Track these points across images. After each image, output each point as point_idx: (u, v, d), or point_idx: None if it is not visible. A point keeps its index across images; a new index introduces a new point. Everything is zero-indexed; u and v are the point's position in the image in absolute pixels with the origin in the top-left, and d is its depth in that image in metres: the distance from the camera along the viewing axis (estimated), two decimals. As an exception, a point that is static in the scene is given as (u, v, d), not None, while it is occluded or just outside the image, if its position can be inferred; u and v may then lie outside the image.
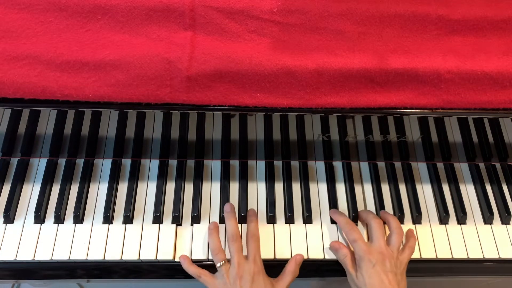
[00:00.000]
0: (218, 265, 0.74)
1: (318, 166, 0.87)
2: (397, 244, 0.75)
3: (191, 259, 0.76)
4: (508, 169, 0.89)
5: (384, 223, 0.80)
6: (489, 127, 0.84)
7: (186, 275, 0.75)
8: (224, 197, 0.82)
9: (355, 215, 0.81)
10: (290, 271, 0.75)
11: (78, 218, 0.79)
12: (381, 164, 0.88)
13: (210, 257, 0.76)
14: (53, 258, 0.75)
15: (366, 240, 0.77)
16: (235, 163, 0.87)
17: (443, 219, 0.83)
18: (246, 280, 0.71)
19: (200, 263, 0.76)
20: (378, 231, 0.76)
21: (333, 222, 0.81)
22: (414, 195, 0.84)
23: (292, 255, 0.77)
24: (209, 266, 0.75)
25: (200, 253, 0.77)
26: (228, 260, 0.74)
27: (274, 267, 0.76)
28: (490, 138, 0.86)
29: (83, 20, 0.63)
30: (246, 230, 0.78)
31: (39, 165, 0.84)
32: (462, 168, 0.90)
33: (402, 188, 0.86)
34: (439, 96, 0.64)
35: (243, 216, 0.80)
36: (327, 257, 0.77)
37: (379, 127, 0.82)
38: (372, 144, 0.85)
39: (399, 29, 0.66)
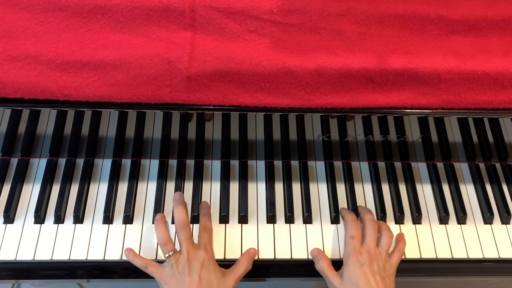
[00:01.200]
0: (166, 255, 0.72)
1: (318, 166, 0.87)
2: (386, 247, 0.75)
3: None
4: (508, 169, 0.90)
5: None
6: (489, 127, 0.84)
7: (186, 275, 0.75)
8: (224, 197, 0.82)
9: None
10: (243, 263, 0.74)
11: (78, 218, 0.79)
12: (381, 164, 0.88)
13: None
14: (53, 258, 0.75)
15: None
16: (235, 163, 0.87)
17: (443, 219, 0.83)
18: (195, 267, 0.70)
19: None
20: (372, 233, 0.75)
21: (333, 222, 0.81)
22: (414, 195, 0.84)
23: (292, 255, 0.77)
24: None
25: (200, 253, 0.77)
26: (178, 251, 0.73)
27: (273, 267, 0.77)
28: (490, 138, 0.86)
29: (83, 20, 0.63)
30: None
31: (39, 165, 0.84)
32: (462, 168, 0.90)
33: (402, 188, 0.86)
34: (439, 96, 0.64)
35: (243, 216, 0.80)
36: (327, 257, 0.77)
37: (379, 127, 0.82)
38: (372, 144, 0.85)
39: (399, 29, 0.66)
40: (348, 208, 0.83)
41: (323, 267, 0.74)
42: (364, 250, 0.73)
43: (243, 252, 0.77)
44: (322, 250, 0.78)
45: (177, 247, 0.74)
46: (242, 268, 0.73)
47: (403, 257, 0.78)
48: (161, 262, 0.77)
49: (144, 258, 0.74)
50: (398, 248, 0.77)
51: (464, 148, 0.87)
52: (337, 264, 0.76)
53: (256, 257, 0.77)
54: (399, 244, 0.77)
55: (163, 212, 0.80)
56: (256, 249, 0.77)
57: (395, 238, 0.79)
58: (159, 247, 0.77)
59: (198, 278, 0.69)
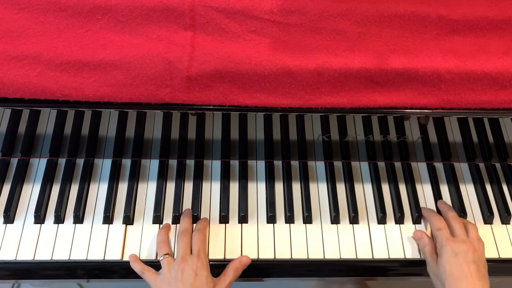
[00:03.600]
0: (160, 258, 0.73)
1: (318, 166, 0.87)
2: (476, 235, 0.75)
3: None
4: (508, 169, 0.89)
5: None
6: (489, 127, 0.84)
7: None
8: (224, 197, 0.82)
9: (355, 215, 0.81)
10: (233, 268, 0.74)
11: (78, 218, 0.79)
12: (381, 164, 0.88)
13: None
14: (53, 258, 0.75)
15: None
16: (235, 163, 0.87)
17: (443, 219, 0.83)
18: (188, 274, 0.70)
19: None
20: (460, 226, 0.76)
21: (333, 222, 0.81)
22: (414, 195, 0.84)
23: (293, 255, 0.77)
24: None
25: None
26: (173, 256, 0.74)
27: (273, 267, 0.77)
28: (490, 138, 0.86)
29: (83, 20, 0.63)
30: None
31: (39, 165, 0.84)
32: (462, 168, 0.90)
33: (402, 188, 0.86)
34: (439, 96, 0.64)
35: (243, 216, 0.80)
36: (327, 257, 0.77)
37: (379, 127, 0.82)
38: (372, 144, 0.85)
39: (399, 29, 0.66)
40: (348, 208, 0.83)
41: (426, 252, 0.75)
42: (458, 239, 0.74)
43: (243, 252, 0.77)
44: (322, 250, 0.78)
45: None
46: (231, 275, 0.73)
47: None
48: (161, 261, 0.77)
49: (143, 264, 0.74)
50: (477, 238, 0.76)
51: (464, 148, 0.87)
52: (338, 265, 0.77)
53: (256, 257, 0.77)
54: (475, 233, 0.77)
55: (163, 212, 0.80)
56: (256, 251, 0.77)
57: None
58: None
59: (189, 286, 0.69)
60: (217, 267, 0.74)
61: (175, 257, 0.74)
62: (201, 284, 0.69)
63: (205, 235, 0.77)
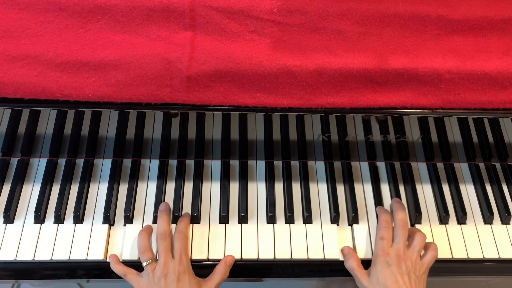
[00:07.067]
0: (144, 264, 0.73)
1: (318, 166, 0.87)
2: (419, 247, 0.74)
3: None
4: (508, 169, 0.89)
5: None
6: (489, 127, 0.84)
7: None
8: (224, 197, 0.82)
9: (355, 215, 0.81)
10: (220, 271, 0.74)
11: (78, 218, 0.79)
12: (381, 164, 0.88)
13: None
14: (53, 258, 0.75)
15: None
16: (235, 163, 0.87)
17: (443, 219, 0.83)
18: (171, 280, 0.70)
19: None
20: (402, 234, 0.75)
21: (333, 222, 0.81)
22: (414, 195, 0.84)
23: (292, 255, 0.77)
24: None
25: (198, 253, 0.77)
26: (156, 260, 0.74)
27: (273, 267, 0.76)
28: (490, 138, 0.86)
29: (83, 20, 0.63)
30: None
31: (39, 165, 0.84)
32: (462, 168, 0.90)
33: (402, 188, 0.86)
34: (439, 96, 0.64)
35: (243, 216, 0.80)
36: (327, 257, 0.77)
37: (379, 127, 0.82)
38: (372, 144, 0.85)
39: (399, 29, 0.66)
40: (348, 208, 0.83)
41: (353, 265, 0.75)
42: (393, 251, 0.73)
43: (243, 252, 0.77)
44: (322, 250, 0.78)
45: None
46: (218, 277, 0.73)
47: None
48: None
49: (124, 266, 0.74)
50: (430, 248, 0.76)
51: (464, 148, 0.87)
52: (338, 265, 0.77)
53: (256, 257, 0.77)
54: (431, 245, 0.77)
55: (163, 212, 0.80)
56: (256, 251, 0.77)
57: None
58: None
59: None
60: (217, 267, 0.75)
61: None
62: None
63: (187, 236, 0.76)
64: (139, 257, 0.75)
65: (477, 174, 0.88)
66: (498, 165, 0.90)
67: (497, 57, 0.65)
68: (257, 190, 0.84)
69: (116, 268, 0.74)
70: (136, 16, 0.63)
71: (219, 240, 0.78)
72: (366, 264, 0.76)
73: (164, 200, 0.81)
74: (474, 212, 0.85)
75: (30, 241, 0.76)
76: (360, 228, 0.81)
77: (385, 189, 0.86)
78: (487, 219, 0.83)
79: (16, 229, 0.78)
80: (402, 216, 0.78)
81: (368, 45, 0.65)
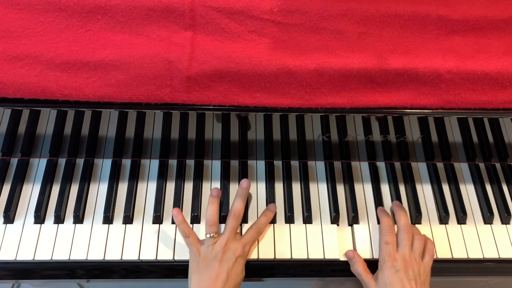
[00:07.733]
0: (208, 235, 0.74)
1: (318, 166, 0.87)
2: (419, 250, 0.75)
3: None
4: (508, 169, 0.90)
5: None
6: (489, 127, 0.84)
7: (186, 275, 0.75)
8: (224, 197, 0.82)
9: (355, 215, 0.81)
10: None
11: (78, 218, 0.79)
12: (381, 164, 0.88)
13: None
14: (53, 258, 0.75)
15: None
16: (235, 163, 0.87)
17: (443, 219, 0.83)
18: (228, 257, 0.71)
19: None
20: (407, 239, 0.75)
21: (333, 222, 0.81)
22: (414, 195, 0.84)
23: (292, 255, 0.77)
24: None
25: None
26: (219, 236, 0.74)
27: (273, 267, 0.76)
28: (490, 138, 0.86)
29: (83, 20, 0.63)
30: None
31: (39, 165, 0.84)
32: (462, 168, 0.90)
33: (402, 188, 0.86)
34: (439, 96, 0.64)
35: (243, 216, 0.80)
36: (327, 257, 0.77)
37: (379, 127, 0.82)
38: (372, 144, 0.85)
39: (399, 29, 0.66)
40: (348, 208, 0.83)
41: (359, 270, 0.75)
42: (399, 256, 0.73)
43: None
44: (322, 250, 0.78)
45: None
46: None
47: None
48: (162, 262, 0.77)
49: (190, 228, 0.75)
50: (427, 249, 0.76)
51: (464, 148, 0.87)
52: (338, 264, 0.76)
53: (256, 257, 0.77)
54: (428, 245, 0.77)
55: (163, 212, 0.80)
56: (256, 250, 0.77)
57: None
58: (159, 247, 0.77)
59: (226, 270, 0.70)
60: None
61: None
62: (236, 272, 0.71)
63: (261, 233, 0.77)
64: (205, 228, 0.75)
65: (477, 174, 0.88)
66: (498, 165, 0.90)
67: (497, 57, 0.65)
68: (257, 190, 0.84)
69: (181, 227, 0.75)
70: (136, 16, 0.63)
71: (219, 240, 0.78)
72: (367, 264, 0.76)
73: (164, 200, 0.81)
74: (474, 212, 0.85)
75: (30, 241, 0.76)
76: (360, 228, 0.81)
77: (385, 189, 0.86)
78: (487, 219, 0.83)
79: (16, 229, 0.78)
80: (405, 221, 0.78)
81: (368, 45, 0.65)
